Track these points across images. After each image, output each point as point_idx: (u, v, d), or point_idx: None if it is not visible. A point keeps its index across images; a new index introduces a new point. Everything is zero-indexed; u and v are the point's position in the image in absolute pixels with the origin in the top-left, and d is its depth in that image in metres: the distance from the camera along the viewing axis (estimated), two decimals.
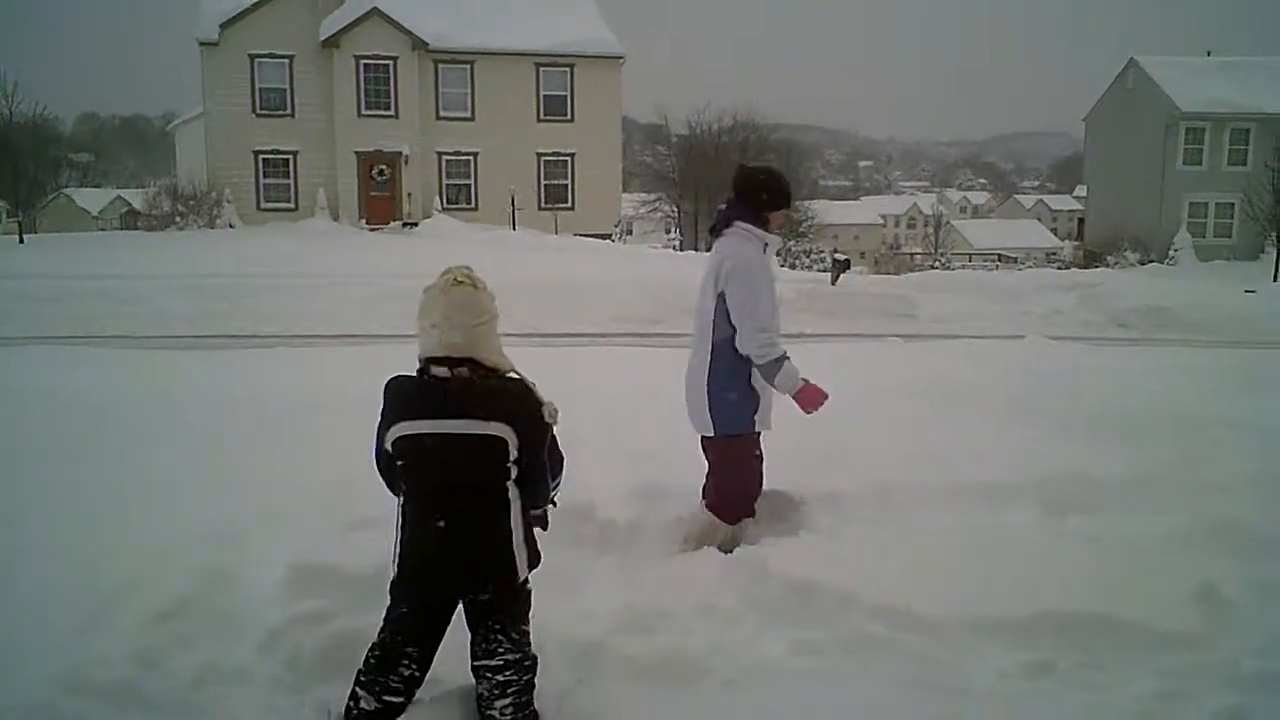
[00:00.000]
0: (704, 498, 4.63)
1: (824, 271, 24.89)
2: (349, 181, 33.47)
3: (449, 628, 3.34)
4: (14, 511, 4.56)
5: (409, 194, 33.64)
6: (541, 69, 34.83)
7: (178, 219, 32.40)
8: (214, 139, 33.35)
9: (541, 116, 35.10)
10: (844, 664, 3.59)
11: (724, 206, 4.49)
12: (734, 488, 4.50)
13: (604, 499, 4.84)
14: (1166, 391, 7.89)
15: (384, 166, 33.48)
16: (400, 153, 33.38)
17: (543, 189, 35.27)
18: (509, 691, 3.22)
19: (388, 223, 32.79)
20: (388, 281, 16.61)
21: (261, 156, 33.55)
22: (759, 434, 4.51)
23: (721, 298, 4.32)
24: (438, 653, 3.32)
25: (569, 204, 35.56)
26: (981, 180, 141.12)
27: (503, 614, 3.26)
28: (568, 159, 35.39)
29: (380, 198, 33.48)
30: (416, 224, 32.55)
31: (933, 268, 38.52)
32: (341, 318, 15.66)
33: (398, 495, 3.33)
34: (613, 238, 34.15)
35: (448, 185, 34.88)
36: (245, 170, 33.47)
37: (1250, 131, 38.09)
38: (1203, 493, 5.16)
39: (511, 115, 34.24)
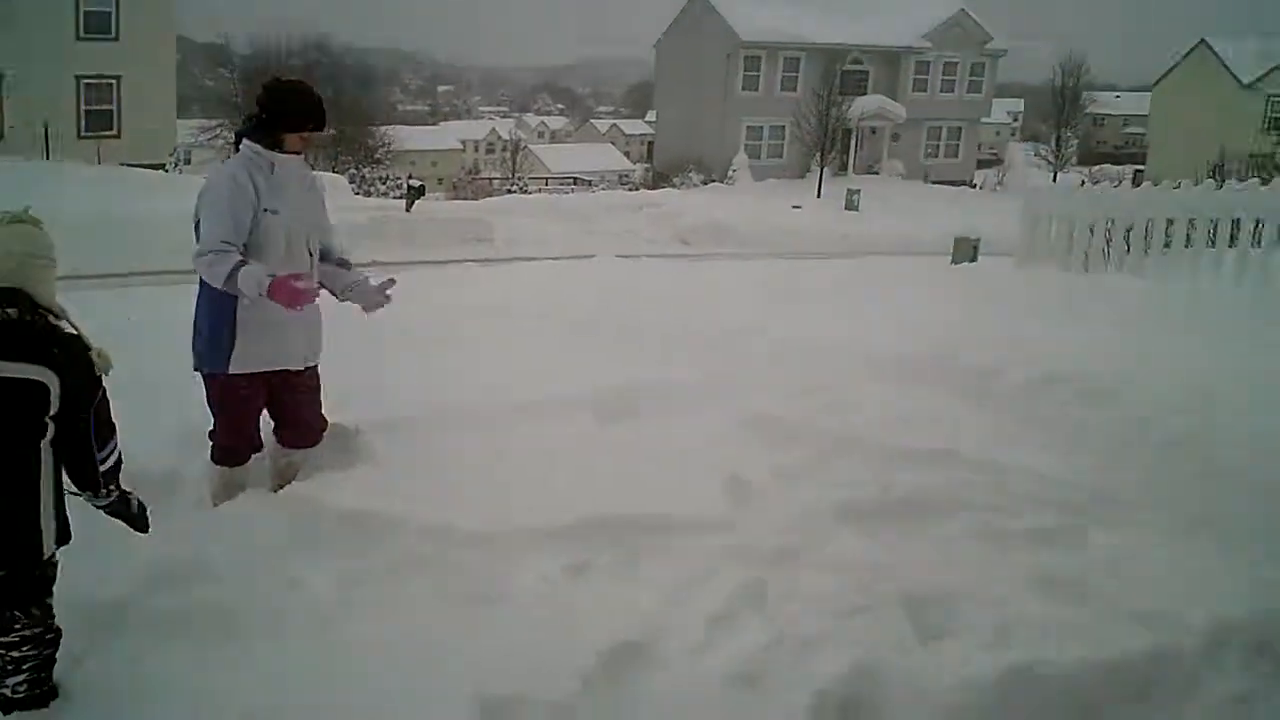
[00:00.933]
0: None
1: (399, 198, 24.44)
2: None
3: None
4: None
5: None
6: None
7: None
8: None
9: (81, 35, 30.88)
10: (390, 589, 3.56)
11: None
12: (218, 429, 4.18)
13: (136, 450, 4.38)
14: (714, 302, 8.60)
15: None
16: None
17: (83, 115, 31.24)
18: (25, 667, 2.90)
19: None
20: None
21: None
22: (241, 375, 4.06)
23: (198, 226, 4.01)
24: None
25: (115, 132, 31.82)
26: (559, 106, 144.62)
27: (22, 592, 2.87)
28: (113, 82, 31.56)
29: None
30: None
31: (509, 192, 39.19)
32: None
33: None
34: (167, 168, 31.04)
35: None
36: None
37: (800, 60, 41.96)
38: (741, 394, 5.66)
39: (45, 34, 29.77)
